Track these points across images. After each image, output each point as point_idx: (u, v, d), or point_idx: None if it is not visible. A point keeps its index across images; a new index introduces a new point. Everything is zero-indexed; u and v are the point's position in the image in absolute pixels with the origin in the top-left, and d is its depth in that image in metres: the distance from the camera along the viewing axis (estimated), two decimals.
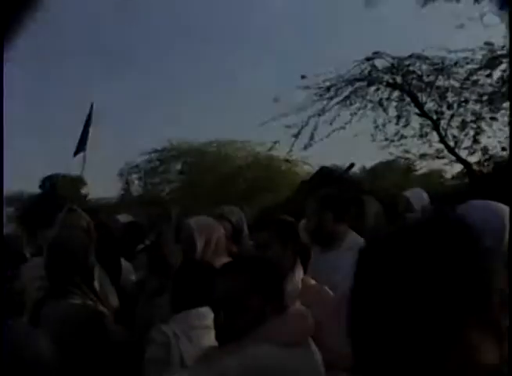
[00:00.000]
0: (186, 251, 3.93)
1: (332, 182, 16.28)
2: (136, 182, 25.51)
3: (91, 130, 13.17)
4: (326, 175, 17.68)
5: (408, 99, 14.52)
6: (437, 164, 16.41)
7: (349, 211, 4.06)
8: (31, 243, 6.34)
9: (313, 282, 3.40)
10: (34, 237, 6.28)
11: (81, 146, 13.33)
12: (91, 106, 13.29)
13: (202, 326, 2.91)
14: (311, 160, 21.14)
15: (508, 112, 13.41)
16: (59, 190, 41.18)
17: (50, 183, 44.08)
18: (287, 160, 20.92)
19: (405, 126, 14.70)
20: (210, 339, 2.76)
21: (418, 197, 5.83)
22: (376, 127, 14.78)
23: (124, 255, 4.90)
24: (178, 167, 24.58)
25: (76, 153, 13.32)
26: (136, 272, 4.98)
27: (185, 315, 3.00)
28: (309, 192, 17.42)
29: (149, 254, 4.91)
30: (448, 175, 20.25)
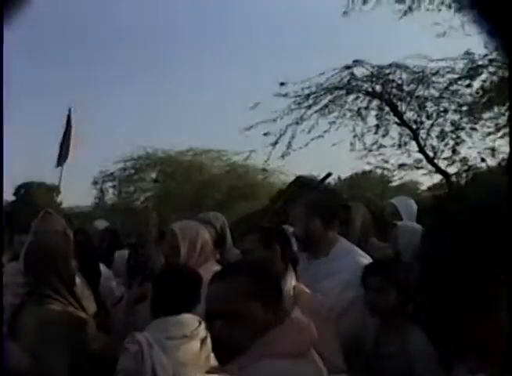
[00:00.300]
0: (169, 255, 3.76)
1: (308, 192, 16.15)
2: (110, 190, 25.14)
3: (72, 137, 12.53)
4: (303, 185, 17.57)
5: (387, 109, 14.43)
6: (415, 174, 16.34)
7: (337, 217, 3.91)
8: (7, 249, 6.12)
9: (305, 289, 3.24)
10: (10, 243, 6.04)
11: (62, 156, 12.74)
12: (69, 111, 12.60)
13: (180, 335, 2.73)
14: (288, 169, 21.10)
15: (487, 123, 13.42)
16: (33, 198, 40.84)
17: (25, 191, 43.75)
18: (264, 170, 20.77)
19: (384, 136, 14.60)
20: (188, 350, 2.66)
21: (405, 205, 5.72)
22: (355, 136, 14.67)
23: (101, 261, 4.71)
24: (153, 175, 24.34)
25: (59, 164, 12.75)
26: (115, 279, 4.80)
27: (161, 322, 2.83)
28: (286, 201, 17.40)
29: (130, 259, 4.76)
30: (424, 187, 20.31)
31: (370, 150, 14.75)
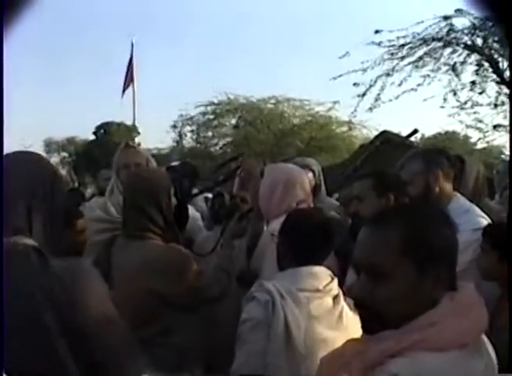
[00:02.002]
0: (252, 197, 3.53)
1: (393, 148, 15.77)
2: (189, 134, 25.15)
3: (135, 67, 12.58)
4: (387, 140, 17.07)
5: (486, 65, 13.63)
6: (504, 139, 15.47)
7: (455, 168, 3.46)
8: (89, 184, 6.00)
9: None
10: (94, 178, 5.92)
11: (128, 82, 12.84)
12: (132, 44, 12.75)
13: (312, 288, 2.46)
14: (371, 123, 20.65)
15: None
16: (112, 137, 41.52)
17: (104, 130, 44.47)
18: (348, 122, 20.26)
19: (480, 93, 13.88)
20: (321, 306, 2.44)
21: None
22: (451, 91, 13.97)
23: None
24: (233, 121, 24.16)
25: (124, 90, 12.91)
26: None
27: (292, 273, 2.53)
28: (367, 156, 16.92)
29: (214, 202, 4.50)
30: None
31: (463, 108, 14.11)
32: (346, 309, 2.48)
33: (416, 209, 1.77)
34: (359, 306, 1.59)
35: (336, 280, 2.55)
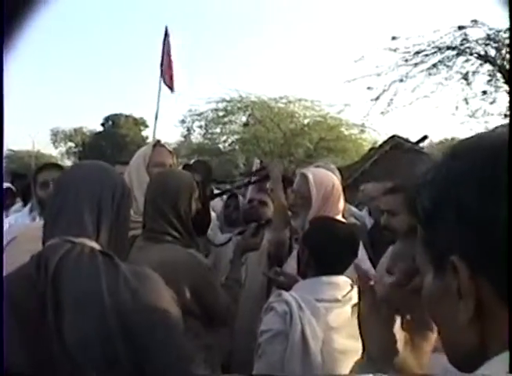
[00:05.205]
0: (295, 205, 3.41)
1: (402, 153, 15.86)
2: (197, 130, 25.21)
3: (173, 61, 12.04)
4: (397, 145, 17.16)
5: (498, 75, 13.73)
6: None
7: None
8: None
9: None
10: None
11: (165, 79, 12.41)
12: (166, 30, 12.10)
13: (331, 298, 2.45)
14: (380, 127, 20.68)
15: None
16: (119, 130, 41.59)
17: (112, 122, 44.56)
18: (359, 125, 20.34)
19: (491, 103, 13.99)
20: (340, 315, 2.41)
21: None
22: (463, 100, 14.08)
23: None
24: (243, 119, 24.17)
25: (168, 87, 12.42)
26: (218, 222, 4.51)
27: (311, 283, 2.53)
28: (378, 159, 16.90)
29: (228, 205, 4.51)
30: None
31: (473, 117, 14.23)
32: None
33: None
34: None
35: (356, 289, 2.51)
